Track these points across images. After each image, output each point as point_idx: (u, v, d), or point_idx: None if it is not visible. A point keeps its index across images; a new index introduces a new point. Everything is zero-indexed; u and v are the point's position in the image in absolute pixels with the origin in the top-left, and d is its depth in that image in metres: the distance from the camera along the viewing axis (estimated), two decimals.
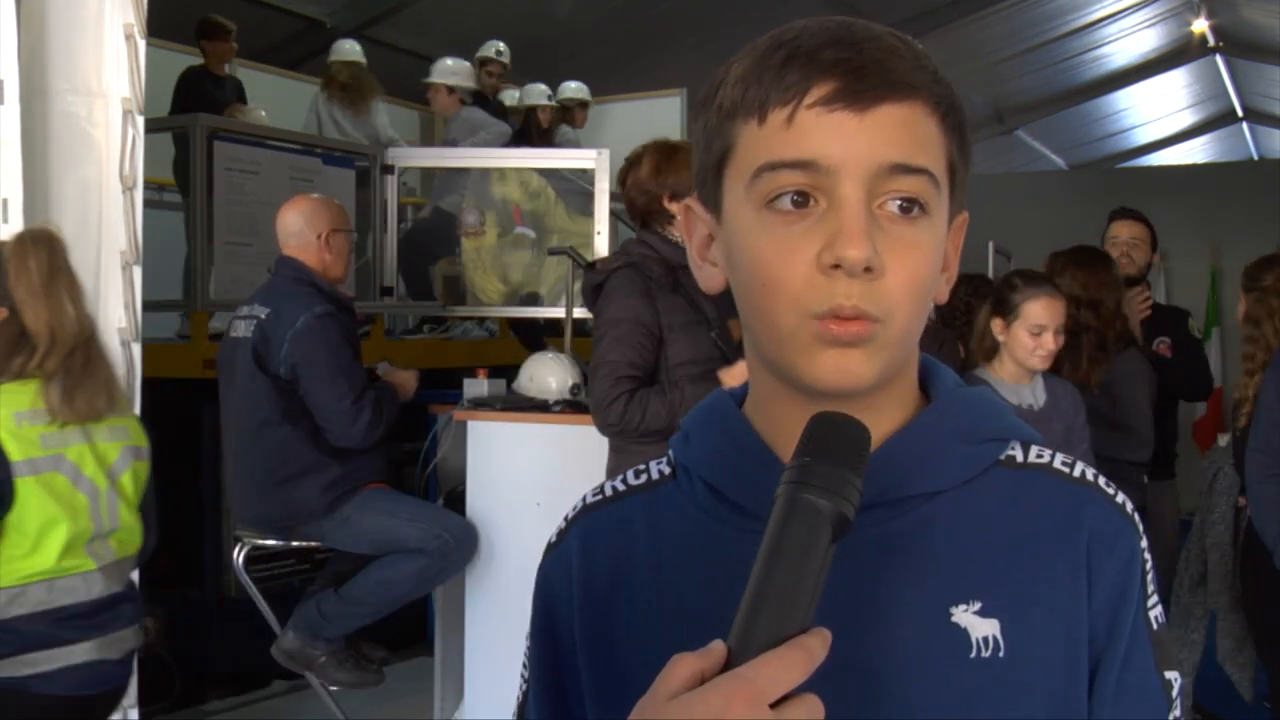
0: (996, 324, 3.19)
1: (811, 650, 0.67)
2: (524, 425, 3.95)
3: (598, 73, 8.23)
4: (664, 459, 0.94)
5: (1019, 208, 10.68)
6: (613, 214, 5.77)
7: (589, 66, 8.38)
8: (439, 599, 4.31)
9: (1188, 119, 15.69)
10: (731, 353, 3.04)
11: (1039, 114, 14.22)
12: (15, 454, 2.46)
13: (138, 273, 3.35)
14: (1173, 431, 4.27)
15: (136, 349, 3.36)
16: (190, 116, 5.57)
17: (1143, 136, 15.92)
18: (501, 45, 7.56)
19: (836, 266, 0.77)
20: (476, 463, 4.03)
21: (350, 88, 6.69)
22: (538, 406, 3.98)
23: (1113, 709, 0.81)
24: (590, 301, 3.25)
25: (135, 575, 3.25)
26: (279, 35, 8.78)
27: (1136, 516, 0.86)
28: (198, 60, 6.61)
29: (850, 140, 0.78)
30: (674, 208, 3.12)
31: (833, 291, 0.78)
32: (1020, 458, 0.87)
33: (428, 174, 6.85)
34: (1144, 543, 0.85)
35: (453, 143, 6.77)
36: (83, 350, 2.57)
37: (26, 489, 2.46)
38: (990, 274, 6.43)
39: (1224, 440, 4.02)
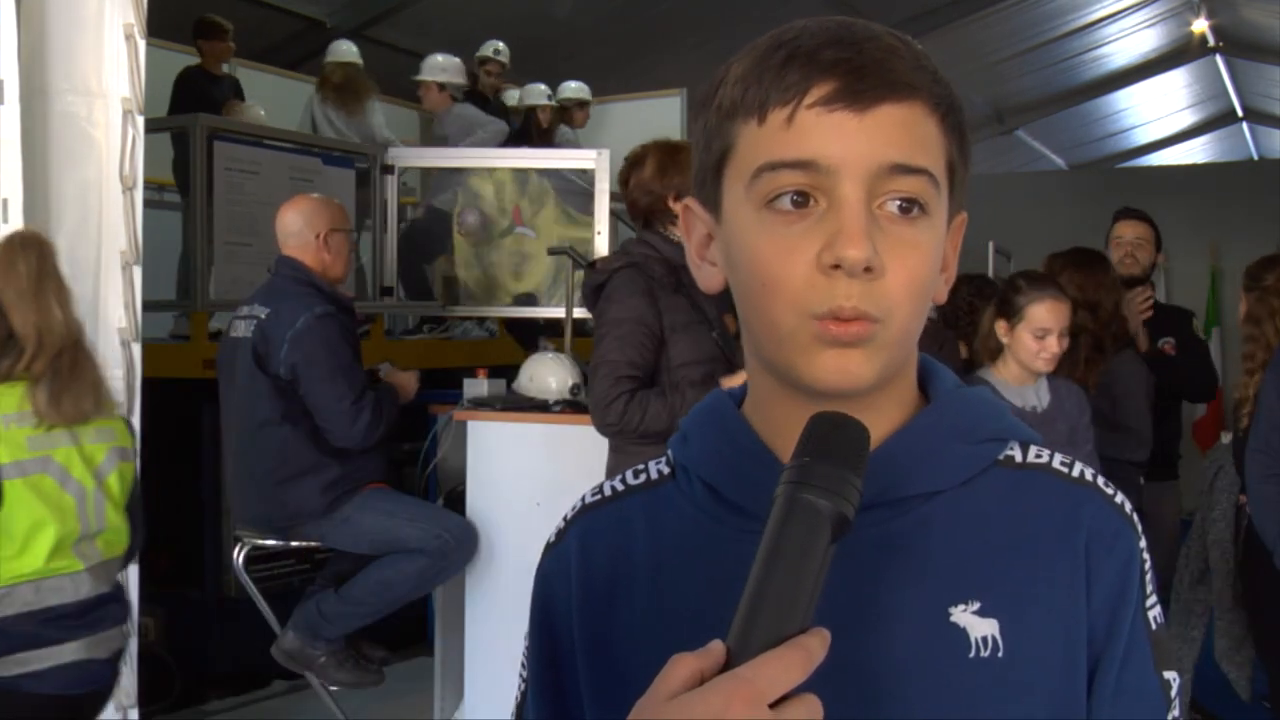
0: (1000, 326, 3.19)
1: (811, 650, 0.67)
2: (524, 425, 3.95)
3: (598, 73, 8.23)
4: (663, 459, 0.94)
5: (1019, 208, 10.68)
6: (613, 214, 5.77)
7: (589, 66, 8.38)
8: (439, 599, 4.31)
9: (1188, 119, 15.70)
10: (733, 352, 3.04)
11: (1039, 114, 14.22)
12: (3, 457, 2.47)
13: (138, 273, 3.35)
14: (1176, 431, 4.26)
15: (136, 349, 3.36)
16: (190, 116, 5.57)
17: (1143, 136, 15.93)
18: (500, 45, 7.56)
19: (836, 266, 0.77)
20: (476, 463, 4.03)
21: (344, 88, 6.68)
22: (538, 406, 3.97)
23: (1111, 709, 0.81)
24: (591, 301, 3.24)
25: (133, 575, 3.27)
26: (279, 35, 8.79)
27: (1135, 516, 0.86)
28: (195, 60, 6.61)
29: (850, 140, 0.78)
30: (678, 208, 3.12)
31: (833, 292, 0.78)
32: (1019, 458, 0.87)
33: (427, 174, 6.84)
34: (1143, 543, 0.85)
35: (445, 140, 6.76)
36: (70, 353, 2.58)
37: (14, 491, 2.47)
38: (990, 274, 6.44)
39: (1227, 439, 4.02)
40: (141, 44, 3.32)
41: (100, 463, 2.62)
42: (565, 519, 0.95)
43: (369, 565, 3.78)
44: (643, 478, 0.94)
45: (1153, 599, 0.85)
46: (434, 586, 4.04)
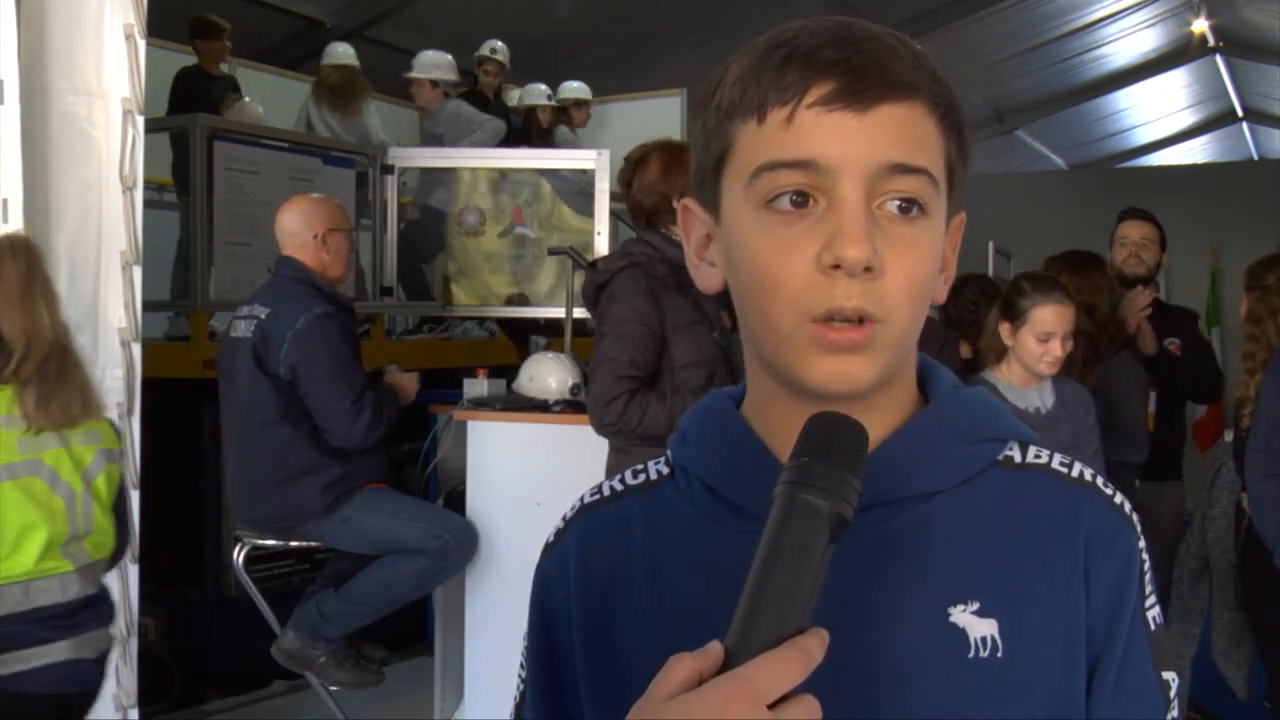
0: (1004, 328, 3.19)
1: (809, 651, 0.67)
2: (524, 425, 3.95)
3: (598, 73, 8.23)
4: (662, 459, 0.94)
5: (1019, 208, 10.68)
6: (613, 214, 5.77)
7: (589, 66, 8.38)
8: (439, 599, 4.31)
9: (1188, 119, 15.70)
10: (734, 353, 3.04)
11: (1039, 114, 14.23)
12: None
13: (138, 273, 3.35)
14: (1180, 432, 4.26)
15: (136, 349, 3.36)
16: (190, 116, 5.57)
17: (1143, 136, 15.93)
18: (498, 44, 7.56)
19: (836, 266, 0.77)
20: (476, 463, 4.03)
21: (339, 91, 6.68)
22: (538, 406, 3.97)
23: (1110, 709, 0.81)
24: (592, 302, 3.23)
25: (133, 575, 3.28)
26: (279, 35, 8.79)
27: (1135, 517, 0.86)
28: (193, 60, 6.60)
29: (850, 140, 0.78)
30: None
31: (832, 292, 0.78)
32: (1018, 458, 0.87)
33: (424, 173, 6.83)
34: (1142, 543, 0.85)
35: (438, 138, 6.75)
36: (57, 357, 2.59)
37: (5, 494, 2.49)
38: (990, 273, 6.44)
39: (1229, 436, 4.02)
40: (141, 44, 3.32)
41: (89, 464, 2.64)
42: (564, 519, 0.95)
43: (369, 565, 3.78)
44: (642, 478, 0.94)
45: (1152, 599, 0.85)
46: (434, 586, 4.04)
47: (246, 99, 6.54)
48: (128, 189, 3.31)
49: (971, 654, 0.80)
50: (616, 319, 3.07)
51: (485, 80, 7.50)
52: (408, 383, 4.01)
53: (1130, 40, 12.53)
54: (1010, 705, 0.80)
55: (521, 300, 6.13)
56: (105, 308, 3.30)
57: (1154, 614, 0.84)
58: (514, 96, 7.66)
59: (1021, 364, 3.18)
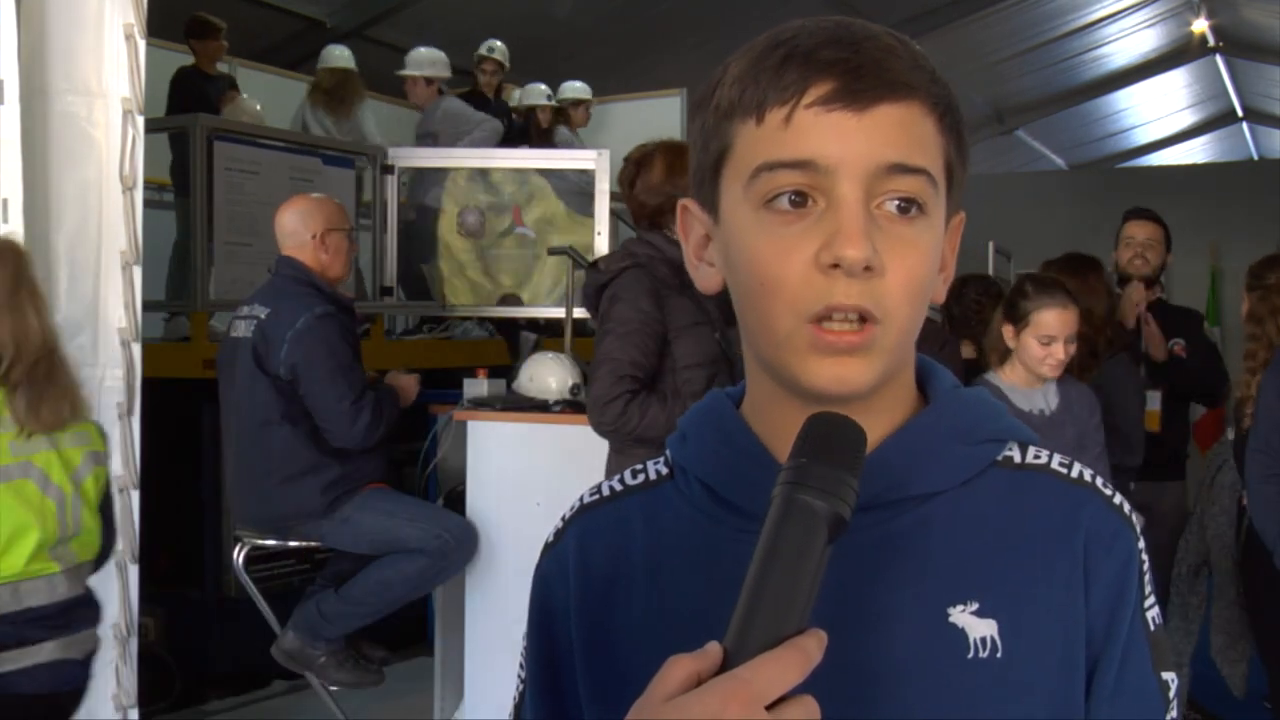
0: (1007, 330, 3.19)
1: (808, 651, 0.67)
2: (524, 425, 3.95)
3: (598, 73, 8.23)
4: (661, 459, 0.94)
5: (1019, 208, 10.69)
6: (613, 214, 5.77)
7: (589, 66, 8.38)
8: (439, 599, 4.31)
9: (1188, 119, 15.71)
10: (735, 354, 3.03)
11: (1039, 114, 14.24)
12: None
13: (138, 273, 3.34)
14: (1184, 432, 4.25)
15: (136, 349, 3.35)
16: (190, 116, 5.57)
17: (1143, 136, 15.94)
18: (495, 43, 7.55)
19: (835, 266, 0.77)
20: (476, 463, 4.03)
21: (334, 93, 6.68)
22: (538, 406, 3.97)
23: (1110, 709, 0.81)
24: (592, 302, 3.22)
25: (133, 576, 3.28)
26: (279, 35, 8.80)
27: (1134, 517, 0.86)
28: (192, 60, 6.60)
29: (848, 140, 0.78)
30: None
31: (831, 290, 0.78)
32: (1018, 458, 0.87)
33: (417, 173, 6.82)
34: (1141, 544, 0.85)
35: (433, 135, 6.74)
36: (46, 361, 2.60)
37: None
38: (990, 273, 6.44)
39: (1230, 435, 4.02)
40: (141, 44, 3.31)
41: (78, 466, 2.65)
42: (563, 519, 0.95)
43: (369, 565, 3.78)
44: (641, 478, 0.94)
45: (1151, 600, 0.85)
46: (434, 586, 4.04)
47: (245, 94, 6.54)
48: (128, 189, 3.30)
49: (971, 654, 0.80)
50: (620, 319, 3.06)
51: (484, 80, 7.50)
52: (408, 384, 4.01)
53: (1130, 40, 12.54)
54: (1010, 706, 0.80)
55: (514, 300, 6.13)
56: (105, 308, 3.30)
57: (1153, 614, 0.84)
58: (514, 96, 7.65)
59: (1024, 366, 3.18)
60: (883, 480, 0.82)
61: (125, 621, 3.29)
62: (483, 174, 6.21)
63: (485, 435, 4.02)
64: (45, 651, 2.54)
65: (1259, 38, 11.76)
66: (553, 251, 5.58)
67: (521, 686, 0.94)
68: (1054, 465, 0.87)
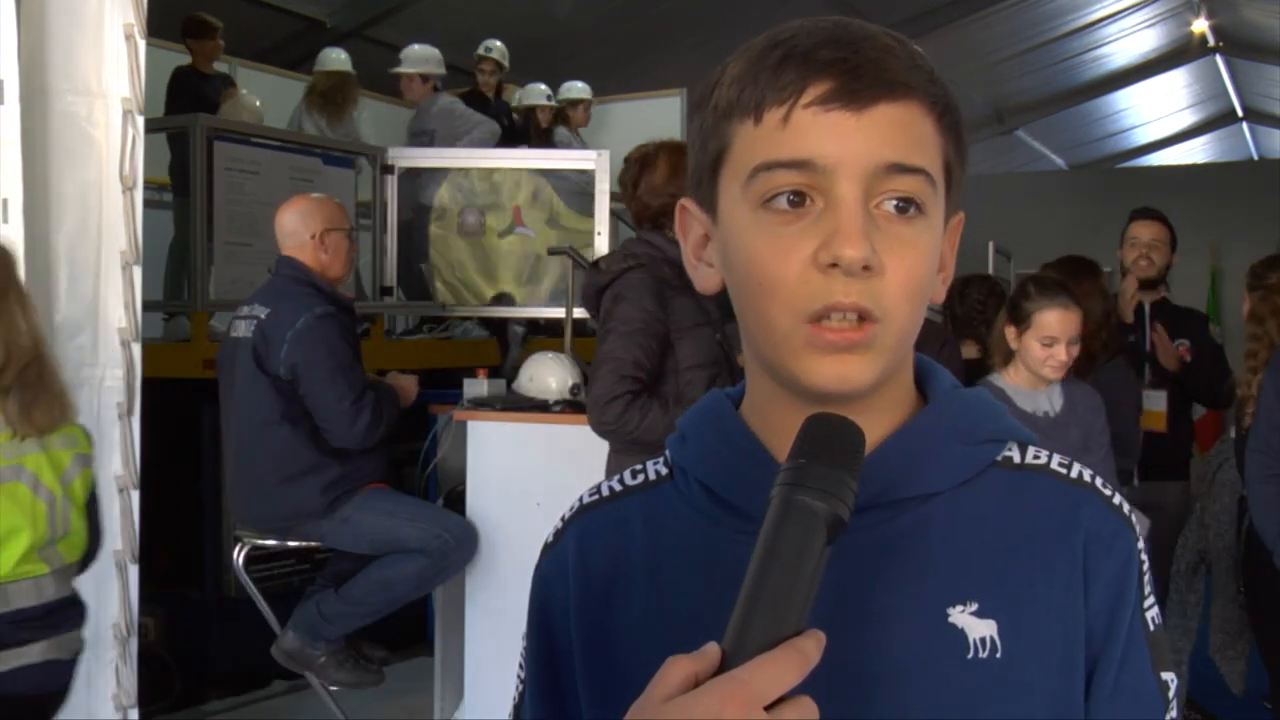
0: (1010, 331, 3.18)
1: (806, 652, 0.67)
2: (524, 425, 3.95)
3: (598, 73, 8.23)
4: (661, 459, 0.94)
5: (1019, 208, 10.70)
6: (613, 214, 5.77)
7: (589, 66, 8.38)
8: (439, 599, 4.31)
9: (1188, 119, 15.71)
10: (736, 354, 3.03)
11: (1039, 114, 14.24)
12: None
13: (138, 273, 3.34)
14: (1188, 432, 4.25)
15: (136, 349, 3.35)
16: (190, 116, 5.57)
17: (1143, 136, 15.94)
18: (494, 43, 7.55)
19: (834, 265, 0.77)
20: (476, 463, 4.03)
21: (330, 96, 6.68)
22: (538, 406, 3.97)
23: (1109, 709, 0.81)
24: (593, 303, 3.21)
25: (133, 575, 3.28)
26: (279, 35, 8.80)
27: (1134, 518, 0.86)
28: (188, 59, 6.60)
29: (847, 140, 0.78)
30: None
31: (830, 290, 0.77)
32: (1017, 458, 0.87)
33: (412, 173, 6.82)
34: (1141, 544, 0.85)
35: (428, 133, 6.73)
36: (36, 364, 2.60)
37: None
38: (990, 273, 6.44)
39: (1231, 434, 4.02)
40: (141, 44, 3.31)
41: (66, 468, 2.65)
42: (563, 519, 0.95)
43: (369, 565, 3.78)
44: (640, 478, 0.93)
45: (1151, 600, 0.85)
46: (434, 586, 4.04)
47: (244, 91, 6.53)
48: (128, 189, 3.30)
49: (970, 654, 0.80)
50: (623, 319, 3.05)
51: (483, 80, 7.50)
52: (408, 384, 4.01)
53: (1130, 40, 12.54)
54: (1009, 706, 0.80)
55: (507, 299, 6.13)
56: (105, 308, 3.30)
57: (1153, 614, 0.84)
58: (514, 96, 7.65)
59: (1027, 367, 3.18)
60: (882, 480, 0.82)
61: (125, 621, 3.29)
62: (483, 174, 6.21)
63: (485, 435, 4.02)
64: (34, 652, 2.55)
65: (1259, 38, 11.76)
66: (553, 251, 5.58)
67: (521, 686, 0.94)
68: (1053, 465, 0.86)
